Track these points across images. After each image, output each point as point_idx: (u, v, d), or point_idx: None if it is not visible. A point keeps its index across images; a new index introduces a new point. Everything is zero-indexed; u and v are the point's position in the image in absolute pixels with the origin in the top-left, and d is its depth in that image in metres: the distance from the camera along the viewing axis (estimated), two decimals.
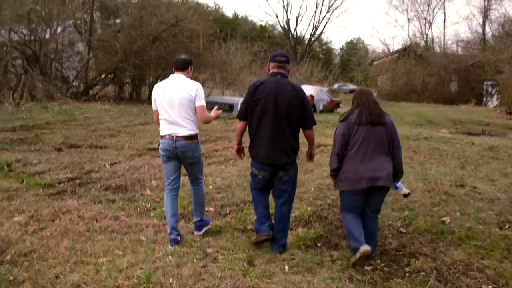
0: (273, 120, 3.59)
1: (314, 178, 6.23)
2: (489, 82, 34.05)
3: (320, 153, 7.99)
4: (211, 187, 5.74)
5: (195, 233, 4.05)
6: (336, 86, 42.37)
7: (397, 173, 3.61)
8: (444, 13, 43.95)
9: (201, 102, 3.74)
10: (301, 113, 3.66)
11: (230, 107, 16.17)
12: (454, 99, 36.93)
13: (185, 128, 3.70)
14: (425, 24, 43.27)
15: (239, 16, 61.28)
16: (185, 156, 3.77)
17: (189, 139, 3.72)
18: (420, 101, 35.61)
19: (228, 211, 4.85)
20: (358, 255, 3.30)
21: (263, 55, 30.17)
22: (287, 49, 42.42)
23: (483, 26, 41.90)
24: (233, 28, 45.34)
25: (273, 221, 3.86)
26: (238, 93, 23.06)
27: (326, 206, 4.99)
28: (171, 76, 3.82)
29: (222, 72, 26.30)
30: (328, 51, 74.21)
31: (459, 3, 63.03)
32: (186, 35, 17.66)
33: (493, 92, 34.34)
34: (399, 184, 3.97)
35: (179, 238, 3.79)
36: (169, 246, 3.71)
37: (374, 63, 52.24)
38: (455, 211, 4.84)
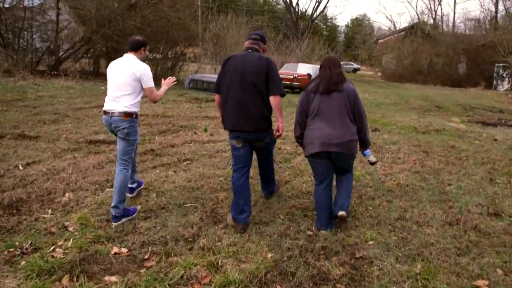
0: (239, 90, 3.71)
1: (287, 196, 4.51)
2: (501, 64, 31.90)
3: None
4: (139, 207, 4.03)
5: (113, 223, 3.71)
6: None
7: (363, 143, 3.76)
8: None
9: (148, 84, 3.83)
10: (267, 81, 3.69)
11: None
12: (462, 81, 34.89)
13: (121, 105, 3.76)
14: (434, 0, 40.72)
15: None
16: (116, 131, 3.82)
17: (123, 115, 3.75)
18: (427, 83, 33.62)
19: (146, 256, 3.15)
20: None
21: (262, 30, 28.19)
22: (288, 23, 40.15)
23: (496, 3, 39.48)
24: (233, 1, 43.17)
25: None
26: None
27: (296, 251, 3.28)
28: (124, 55, 3.90)
29: (215, 46, 24.47)
30: (333, 28, 71.61)
31: None
32: (168, 3, 15.63)
33: (504, 75, 32.25)
34: (367, 151, 3.92)
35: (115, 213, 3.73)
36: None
37: (379, 41, 49.95)
38: (494, 267, 3.13)
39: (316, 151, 3.51)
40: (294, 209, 4.12)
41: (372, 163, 4.00)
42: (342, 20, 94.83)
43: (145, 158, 5.73)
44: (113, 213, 3.71)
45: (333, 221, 3.68)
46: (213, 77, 15.71)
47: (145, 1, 14.37)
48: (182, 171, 5.20)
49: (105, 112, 3.82)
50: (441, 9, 57.84)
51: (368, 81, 33.56)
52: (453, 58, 36.72)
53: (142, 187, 4.52)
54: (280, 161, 5.71)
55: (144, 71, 3.78)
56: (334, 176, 3.82)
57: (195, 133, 7.27)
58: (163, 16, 15.08)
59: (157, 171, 5.15)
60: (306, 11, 43.92)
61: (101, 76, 15.47)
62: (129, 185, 4.22)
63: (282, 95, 3.74)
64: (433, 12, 41.34)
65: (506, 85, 32.03)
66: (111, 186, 4.49)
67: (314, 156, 3.58)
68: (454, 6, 41.62)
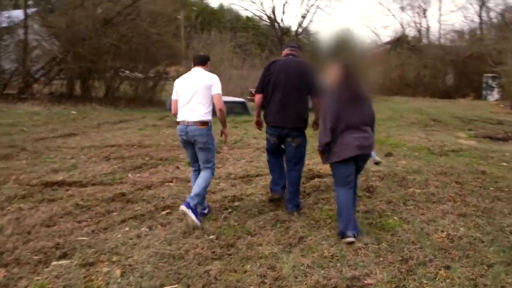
0: (284, 91, 4.15)
1: None
2: (489, 75, 31.46)
3: None
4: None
5: (181, 207, 3.86)
6: None
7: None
8: (440, 0, 41.01)
9: (217, 90, 4.06)
10: (309, 84, 4.12)
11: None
12: (451, 92, 34.35)
13: (198, 114, 3.97)
14: (418, 12, 40.40)
15: (224, 7, 58.15)
16: (194, 140, 4.01)
17: (199, 124, 3.97)
18: (415, 95, 32.94)
19: None
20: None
21: (247, 47, 27.23)
22: (273, 39, 39.36)
23: (480, 14, 39.36)
24: (217, 19, 42.30)
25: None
26: None
27: None
28: (192, 69, 4.19)
29: None
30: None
31: None
32: (147, 19, 14.46)
33: (493, 85, 31.78)
34: (372, 153, 4.46)
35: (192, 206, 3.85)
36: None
37: None
38: None
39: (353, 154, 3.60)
40: None
41: (376, 163, 4.36)
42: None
43: (112, 206, 4.44)
44: (188, 201, 3.86)
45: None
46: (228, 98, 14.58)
47: (121, 16, 13.15)
48: (159, 226, 3.93)
49: (181, 123, 4.07)
50: (427, 21, 57.76)
51: None
52: (441, 69, 36.29)
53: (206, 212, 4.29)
54: (286, 206, 4.49)
55: (216, 78, 4.11)
56: None
57: (177, 167, 6.01)
58: (142, 32, 13.89)
59: (126, 229, 3.86)
60: (290, 26, 43.17)
61: (75, 99, 14.14)
62: (202, 211, 4.18)
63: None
64: (418, 25, 40.98)
65: (495, 95, 31.55)
66: (61, 257, 3.26)
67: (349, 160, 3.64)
68: (440, 18, 41.26)
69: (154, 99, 17.54)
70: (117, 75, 16.66)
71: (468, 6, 61.02)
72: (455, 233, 3.66)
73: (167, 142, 7.57)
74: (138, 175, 5.68)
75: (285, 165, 4.44)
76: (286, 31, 43.39)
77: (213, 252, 3.37)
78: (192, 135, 3.97)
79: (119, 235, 3.70)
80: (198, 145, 4.03)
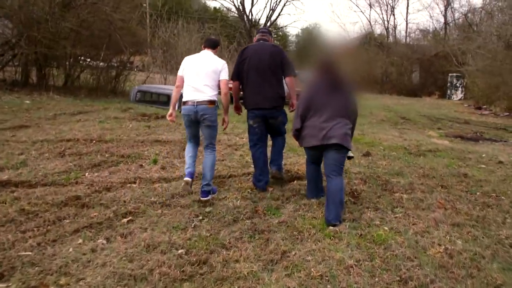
0: (258, 73, 4.42)
1: None
2: (454, 74, 32.14)
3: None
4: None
5: (201, 198, 4.21)
6: None
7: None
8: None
9: (226, 76, 4.27)
10: (281, 65, 4.43)
11: (165, 100, 12.43)
12: (417, 90, 34.97)
13: (206, 95, 4.17)
14: (386, 10, 40.76)
15: None
16: (203, 119, 4.18)
17: (209, 103, 4.17)
18: (383, 92, 33.26)
19: None
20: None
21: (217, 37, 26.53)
22: (242, 31, 38.69)
23: (445, 14, 40.13)
24: (184, 9, 41.14)
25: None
26: None
27: None
28: (202, 51, 4.40)
29: (164, 54, 22.49)
30: (283, 37, 71.18)
31: None
32: (110, 4, 13.57)
33: (457, 84, 32.49)
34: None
35: (192, 170, 4.29)
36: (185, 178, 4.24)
37: None
38: None
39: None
40: None
41: (349, 157, 4.28)
42: (294, 29, 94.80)
43: (64, 212, 3.83)
44: (205, 189, 4.22)
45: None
46: (163, 88, 13.77)
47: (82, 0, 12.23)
48: (119, 237, 3.37)
49: (188, 102, 4.18)
50: (394, 19, 58.63)
51: None
52: (407, 67, 36.80)
53: (215, 194, 4.46)
54: (264, 212, 4.01)
55: (225, 65, 4.28)
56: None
57: (141, 166, 5.42)
58: (104, 18, 13.00)
59: (79, 241, 3.28)
60: (259, 19, 42.58)
61: (30, 88, 13.11)
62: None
63: (295, 76, 4.47)
64: (386, 22, 41.37)
65: (459, 94, 32.28)
66: None
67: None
68: (407, 16, 41.87)
69: (117, 89, 16.62)
70: (78, 63, 15.65)
71: (434, 5, 62.32)
72: (453, 247, 3.30)
73: (130, 136, 6.91)
74: (96, 174, 5.06)
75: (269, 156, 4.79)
76: (255, 23, 42.82)
77: (183, 271, 2.86)
78: (202, 114, 4.16)
79: (70, 249, 3.13)
80: (206, 123, 4.22)
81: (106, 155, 5.80)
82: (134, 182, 4.81)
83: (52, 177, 4.78)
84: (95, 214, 3.82)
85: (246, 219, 3.82)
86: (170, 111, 4.35)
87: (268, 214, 3.96)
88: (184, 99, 4.24)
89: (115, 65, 17.10)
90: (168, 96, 12.34)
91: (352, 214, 3.95)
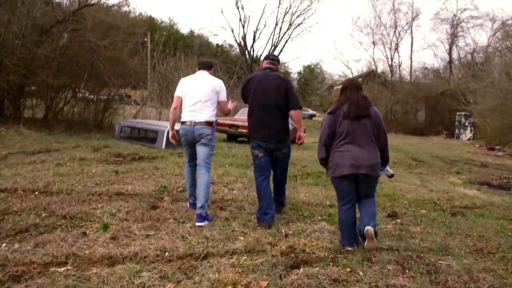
0: (263, 107, 4.33)
1: None
2: (462, 113, 30.94)
3: None
4: None
5: (196, 223, 4.12)
6: None
7: (384, 160, 3.88)
8: (412, 37, 40.93)
9: (224, 98, 4.43)
10: (286, 97, 4.34)
11: (152, 137, 10.96)
12: (423, 129, 33.69)
13: (204, 115, 4.27)
14: (390, 48, 40.09)
15: (195, 33, 56.82)
16: (200, 138, 4.27)
17: (207, 124, 4.27)
18: (388, 131, 31.89)
19: None
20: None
21: (215, 74, 25.50)
22: (242, 66, 37.84)
23: (450, 52, 39.41)
24: (187, 46, 40.52)
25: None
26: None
27: None
28: (197, 72, 4.47)
29: (160, 89, 21.33)
30: (286, 74, 70.95)
31: (427, 29, 61.05)
32: (97, 32, 12.36)
33: (466, 123, 31.22)
34: (386, 167, 4.26)
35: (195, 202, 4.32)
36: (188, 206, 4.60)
37: (335, 87, 48.86)
38: None
39: (347, 173, 3.66)
40: None
41: (390, 176, 4.55)
42: (296, 66, 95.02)
43: None
44: (199, 212, 4.18)
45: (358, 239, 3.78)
46: (152, 123, 12.32)
47: (62, 26, 10.98)
48: None
49: (186, 123, 4.30)
50: (399, 57, 58.25)
51: None
52: (413, 105, 35.71)
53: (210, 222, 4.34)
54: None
55: (223, 85, 4.45)
56: None
57: (84, 234, 3.83)
58: (87, 46, 11.73)
59: None
60: (261, 55, 41.83)
61: (4, 119, 11.70)
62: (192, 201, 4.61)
63: (300, 108, 4.52)
64: (390, 60, 40.60)
65: (468, 134, 30.98)
66: None
67: (343, 178, 3.71)
68: (411, 54, 41.12)
69: (104, 124, 15.24)
70: (62, 94, 14.33)
71: (439, 44, 62.16)
72: None
73: (86, 186, 5.34)
74: (16, 246, 3.50)
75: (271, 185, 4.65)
76: (256, 59, 42.12)
77: None
78: (199, 134, 4.24)
79: None
80: (202, 141, 4.28)
81: (43, 215, 4.23)
82: (65, 263, 3.24)
83: None
84: None
85: None
86: (171, 132, 4.52)
87: None
88: (182, 120, 4.32)
89: (104, 97, 15.79)
90: (157, 133, 10.91)
91: None
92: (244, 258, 3.36)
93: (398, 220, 5.03)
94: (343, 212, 3.81)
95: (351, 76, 41.22)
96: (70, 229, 3.94)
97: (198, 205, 4.18)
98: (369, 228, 3.57)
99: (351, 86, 3.87)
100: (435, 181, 9.12)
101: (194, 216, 4.34)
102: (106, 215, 4.31)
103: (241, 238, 3.78)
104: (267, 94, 4.30)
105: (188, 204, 4.72)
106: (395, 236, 4.31)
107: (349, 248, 3.68)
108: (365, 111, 3.71)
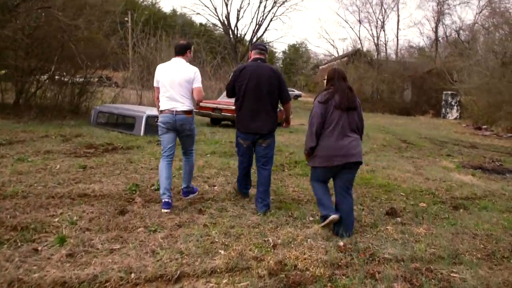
0: (255, 99, 4.34)
1: None
2: (449, 92, 30.64)
3: None
4: None
5: (183, 197, 4.59)
6: None
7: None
8: (398, 15, 40.29)
9: (198, 84, 4.33)
10: (279, 91, 4.42)
11: (130, 123, 10.27)
12: (409, 109, 33.41)
13: (183, 104, 4.27)
14: (376, 26, 39.43)
15: (178, 13, 55.28)
16: (182, 128, 4.31)
17: (186, 113, 4.28)
18: (374, 111, 31.59)
19: None
20: (326, 222, 3.78)
21: (199, 54, 24.54)
22: (226, 46, 36.84)
23: (436, 31, 39.00)
24: (169, 25, 39.22)
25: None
26: None
27: None
28: (173, 59, 4.38)
29: (141, 70, 20.47)
30: (270, 54, 69.91)
31: (413, 7, 60.44)
32: (69, 12, 11.46)
33: (453, 103, 30.99)
34: None
35: (170, 200, 4.18)
36: (162, 209, 4.12)
37: (321, 67, 48.22)
38: None
39: (339, 163, 3.79)
40: None
41: None
42: (281, 44, 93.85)
43: None
44: (185, 190, 4.61)
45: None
46: (130, 108, 11.57)
47: (28, 3, 10.07)
48: None
49: (165, 111, 4.26)
50: (385, 35, 57.70)
51: None
52: (399, 85, 35.32)
53: (196, 194, 4.74)
54: None
55: (197, 72, 4.35)
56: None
57: (35, 250, 3.21)
58: (57, 25, 10.86)
59: None
60: (245, 34, 40.82)
61: None
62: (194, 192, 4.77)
63: (290, 99, 4.61)
64: (376, 38, 40.01)
65: (455, 113, 30.79)
66: None
67: (332, 168, 3.86)
68: (397, 33, 40.63)
69: (80, 109, 14.36)
70: (34, 78, 13.42)
71: (425, 22, 61.66)
72: None
73: (47, 186, 4.69)
74: None
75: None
76: (240, 38, 41.12)
77: None
78: (181, 124, 4.26)
79: None
80: (186, 132, 4.36)
81: None
82: None
83: None
84: None
85: None
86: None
87: None
88: (161, 108, 4.30)
89: (81, 80, 14.87)
90: (135, 119, 10.20)
91: None
92: (224, 281, 2.81)
93: (399, 219, 4.53)
94: (320, 188, 4.01)
95: (336, 55, 40.60)
96: (19, 244, 3.32)
97: (184, 185, 4.57)
98: (334, 217, 3.76)
99: (338, 77, 3.98)
100: (429, 167, 8.68)
101: (167, 223, 3.77)
102: (65, 224, 3.70)
103: (222, 252, 3.22)
104: (259, 87, 4.31)
105: (162, 205, 4.19)
106: (398, 241, 3.80)
107: (335, 216, 3.77)
108: (354, 103, 3.88)
